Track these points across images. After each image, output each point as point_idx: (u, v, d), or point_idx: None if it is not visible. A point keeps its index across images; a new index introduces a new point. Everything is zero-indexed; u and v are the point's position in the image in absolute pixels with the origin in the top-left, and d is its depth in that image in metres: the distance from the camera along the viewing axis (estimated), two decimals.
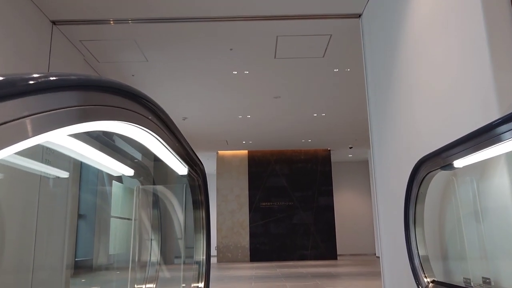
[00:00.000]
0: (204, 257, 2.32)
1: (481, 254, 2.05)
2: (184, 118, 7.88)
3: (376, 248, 10.58)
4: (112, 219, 1.87)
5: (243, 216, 10.49)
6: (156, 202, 2.42)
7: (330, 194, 10.58)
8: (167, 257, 2.67)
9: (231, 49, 5.11)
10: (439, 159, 2.12)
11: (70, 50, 4.64)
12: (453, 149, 1.96)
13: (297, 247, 10.26)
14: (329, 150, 10.87)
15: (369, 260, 9.69)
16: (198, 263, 2.31)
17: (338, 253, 10.26)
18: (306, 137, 9.64)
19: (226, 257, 10.25)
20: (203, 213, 2.36)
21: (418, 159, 2.81)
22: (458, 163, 2.00)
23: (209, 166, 12.37)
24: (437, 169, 2.21)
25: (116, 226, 1.89)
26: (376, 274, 6.04)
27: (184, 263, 2.54)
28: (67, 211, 3.50)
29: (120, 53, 5.10)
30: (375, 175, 3.91)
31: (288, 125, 8.56)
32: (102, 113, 1.05)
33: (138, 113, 1.22)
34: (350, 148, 10.58)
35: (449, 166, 2.09)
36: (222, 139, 9.59)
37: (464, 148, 1.85)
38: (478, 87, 2.12)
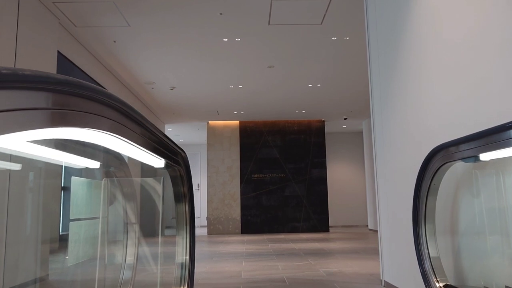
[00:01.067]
0: (188, 257, 2.04)
1: (506, 259, 1.80)
2: (172, 88, 7.47)
3: (368, 220, 10.52)
4: (72, 223, 1.56)
5: (235, 188, 10.28)
6: (131, 196, 2.10)
7: (323, 166, 10.37)
8: (144, 257, 2.38)
9: (221, 14, 4.67)
10: (460, 149, 1.82)
11: (42, 13, 4.17)
12: (480, 140, 1.65)
13: (289, 219, 10.14)
14: (323, 121, 10.57)
15: (362, 233, 9.62)
16: (180, 264, 2.03)
17: (330, 224, 10.16)
18: (300, 108, 9.30)
19: (216, 229, 10.12)
20: (186, 207, 2.06)
21: (426, 133, 2.52)
22: (486, 156, 1.70)
23: (200, 136, 12.03)
24: (456, 160, 1.91)
25: (77, 230, 1.58)
26: (371, 252, 5.90)
27: (163, 263, 2.26)
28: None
29: (100, 17, 4.63)
30: (376, 148, 3.63)
31: (282, 95, 8.19)
32: (34, 118, 0.74)
33: (88, 113, 0.89)
34: (345, 119, 10.28)
35: (472, 158, 1.80)
36: (212, 109, 9.21)
37: (496, 140, 1.54)
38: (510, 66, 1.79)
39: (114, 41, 5.35)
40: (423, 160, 2.69)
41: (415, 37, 2.78)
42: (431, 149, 2.60)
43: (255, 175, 10.30)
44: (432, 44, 2.54)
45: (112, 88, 6.60)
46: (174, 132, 11.92)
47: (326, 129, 10.93)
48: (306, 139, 10.47)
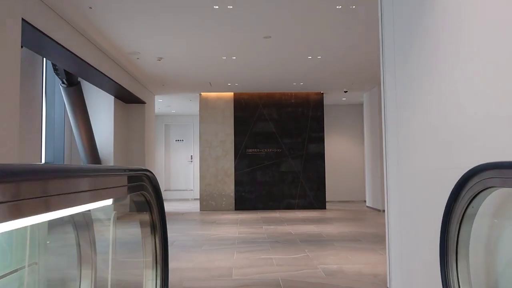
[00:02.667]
0: None
1: None
2: (159, 59, 6.86)
3: (366, 198, 10.21)
4: None
5: (228, 163, 9.86)
6: (76, 235, 1.63)
7: (321, 140, 9.92)
8: None
9: None
10: None
11: None
12: None
13: (285, 196, 9.79)
14: (322, 93, 10.02)
15: (360, 212, 9.31)
16: None
17: (326, 199, 9.84)
18: (298, 80, 8.74)
19: (209, 206, 9.78)
20: (156, 240, 1.60)
21: (457, 130, 2.01)
22: None
23: (193, 107, 11.47)
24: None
25: None
26: (372, 239, 5.55)
27: None
28: None
29: None
30: (386, 125, 3.14)
31: (279, 67, 7.61)
32: None
33: None
34: (345, 92, 9.73)
35: None
36: (204, 80, 8.63)
37: None
38: None
39: (90, 7, 4.72)
40: (452, 164, 2.23)
41: (450, 8, 2.24)
42: (462, 150, 2.14)
43: (250, 150, 9.86)
44: (474, 19, 2.02)
45: (93, 59, 6.00)
46: (165, 103, 11.34)
47: (325, 101, 10.40)
48: (304, 112, 9.97)
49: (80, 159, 7.84)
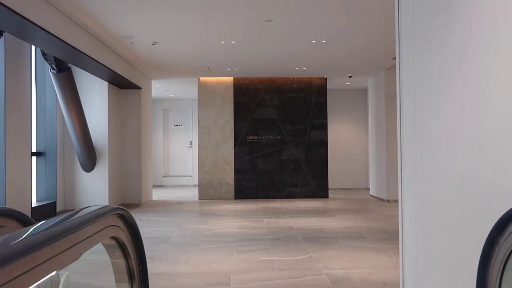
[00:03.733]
0: None
1: None
2: (154, 43, 6.48)
3: (370, 186, 9.95)
4: None
5: (228, 150, 9.56)
6: None
7: (324, 127, 9.59)
8: None
9: None
10: None
11: None
12: None
13: (286, 185, 9.53)
14: (326, 78, 9.63)
15: (363, 201, 9.07)
16: None
17: (329, 187, 9.57)
18: (300, 65, 8.35)
19: (208, 194, 9.52)
20: None
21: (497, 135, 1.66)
22: None
23: (192, 92, 11.10)
24: None
25: None
26: (378, 236, 5.29)
27: None
28: None
29: None
30: (402, 112, 2.80)
31: (281, 52, 7.22)
32: None
33: None
34: (350, 77, 9.34)
35: None
36: (203, 65, 8.24)
37: None
38: None
39: None
40: (484, 165, 1.91)
41: None
42: (497, 150, 1.82)
43: (250, 137, 9.54)
44: None
45: (83, 45, 5.63)
46: (162, 87, 10.96)
47: (328, 86, 10.02)
48: (306, 98, 9.60)
49: (73, 148, 7.54)
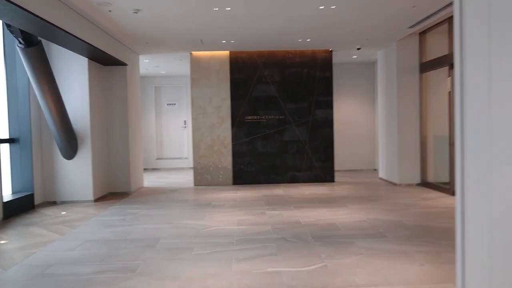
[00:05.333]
0: None
1: None
2: (136, 11, 5.57)
3: (379, 168, 9.20)
4: None
5: (225, 132, 8.75)
6: None
7: (329, 105, 8.76)
8: None
9: None
10: None
11: None
12: None
13: (288, 168, 8.77)
14: (331, 51, 8.74)
15: (373, 186, 8.34)
16: None
17: (334, 168, 8.83)
18: (304, 36, 7.45)
19: (205, 180, 8.77)
20: None
21: None
22: None
23: (184, 68, 10.18)
24: None
25: None
26: (398, 233, 4.56)
27: None
28: None
29: None
30: (465, 103, 2.01)
31: (283, 21, 6.31)
32: None
33: None
34: (358, 49, 8.44)
35: None
36: (194, 37, 7.33)
37: None
38: None
39: None
40: None
41: None
42: None
43: (249, 117, 8.72)
44: None
45: (54, 16, 4.72)
46: (152, 63, 10.04)
47: (333, 60, 9.13)
48: (310, 73, 8.73)
49: (52, 133, 6.72)
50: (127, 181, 7.92)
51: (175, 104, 12.68)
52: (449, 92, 6.76)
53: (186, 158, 12.53)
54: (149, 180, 9.82)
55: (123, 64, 7.78)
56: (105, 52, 6.71)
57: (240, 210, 6.06)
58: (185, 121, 12.55)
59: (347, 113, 10.79)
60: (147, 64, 10.09)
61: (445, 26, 6.91)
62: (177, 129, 12.71)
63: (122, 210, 6.30)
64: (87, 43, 5.92)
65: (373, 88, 10.82)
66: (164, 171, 11.94)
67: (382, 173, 8.93)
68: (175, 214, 5.92)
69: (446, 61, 6.87)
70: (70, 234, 4.92)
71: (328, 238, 4.46)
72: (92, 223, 5.48)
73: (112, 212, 6.13)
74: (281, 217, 5.56)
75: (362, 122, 10.86)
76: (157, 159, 12.49)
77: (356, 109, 10.88)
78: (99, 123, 7.47)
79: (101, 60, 7.31)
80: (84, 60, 6.96)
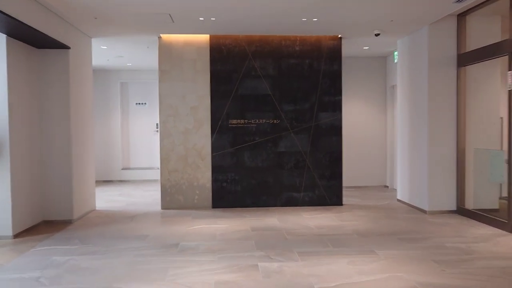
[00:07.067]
0: None
1: None
2: None
3: (389, 180, 7.35)
4: None
5: (203, 139, 6.76)
6: None
7: (337, 107, 6.88)
8: None
9: None
10: None
11: None
12: None
13: (284, 188, 6.84)
14: (340, 38, 6.86)
15: (394, 211, 6.48)
16: None
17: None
18: (309, 15, 5.54)
19: (175, 202, 6.76)
20: None
21: None
22: None
23: (155, 59, 8.11)
24: None
25: None
26: None
27: None
28: None
29: None
30: None
31: None
32: None
33: None
34: (377, 35, 6.55)
35: None
36: (161, 12, 5.34)
37: None
38: None
39: None
40: None
41: None
42: None
43: (234, 121, 6.76)
44: None
45: None
46: (113, 51, 7.97)
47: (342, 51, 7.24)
48: (313, 65, 6.83)
49: None
50: (68, 204, 5.85)
51: (145, 103, 10.63)
52: (510, 90, 4.94)
53: (158, 169, 10.46)
54: (107, 199, 7.76)
55: (64, 47, 5.73)
56: (35, 29, 4.72)
57: (221, 260, 4.07)
58: (157, 124, 10.51)
59: (353, 118, 8.93)
60: (107, 52, 8.02)
61: (497, 4, 5.15)
62: (148, 133, 10.66)
63: (44, 256, 4.25)
64: (5, 14, 3.93)
65: (384, 88, 8.99)
66: (131, 184, 9.87)
67: (402, 195, 7.07)
68: (120, 267, 3.90)
69: (504, 49, 5.06)
70: None
71: None
72: None
73: (26, 262, 4.08)
74: (283, 277, 3.60)
75: (371, 129, 9.01)
76: (122, 169, 10.39)
77: (363, 113, 9.03)
78: (25, 124, 5.40)
79: (31, 40, 5.28)
80: (1, 38, 4.90)
